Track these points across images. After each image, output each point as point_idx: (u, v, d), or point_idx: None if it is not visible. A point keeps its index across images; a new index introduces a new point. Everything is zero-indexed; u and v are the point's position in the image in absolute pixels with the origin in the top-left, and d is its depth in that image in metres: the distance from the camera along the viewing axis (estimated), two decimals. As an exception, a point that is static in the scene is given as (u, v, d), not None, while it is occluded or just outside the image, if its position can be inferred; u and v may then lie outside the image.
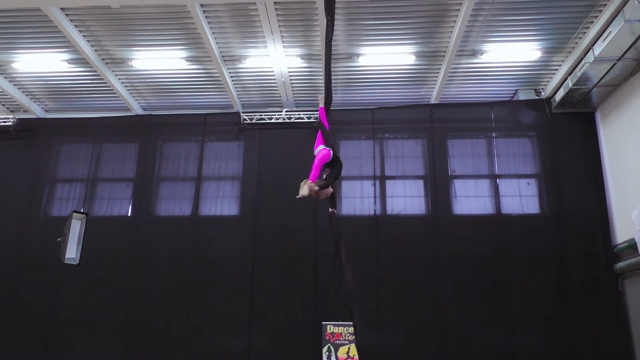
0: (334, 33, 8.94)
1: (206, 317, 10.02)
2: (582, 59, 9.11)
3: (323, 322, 9.65)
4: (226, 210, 10.89)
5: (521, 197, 10.35)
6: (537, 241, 9.98)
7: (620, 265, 9.45)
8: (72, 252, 8.70)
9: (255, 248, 10.40)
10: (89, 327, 10.05)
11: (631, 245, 8.82)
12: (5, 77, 10.57)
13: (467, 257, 9.98)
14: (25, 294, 10.32)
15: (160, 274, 10.33)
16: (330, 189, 5.70)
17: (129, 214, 10.95)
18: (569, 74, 9.63)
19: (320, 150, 5.88)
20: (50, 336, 8.90)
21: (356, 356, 9.46)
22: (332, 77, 10.39)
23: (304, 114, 11.16)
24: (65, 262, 8.55)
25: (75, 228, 8.81)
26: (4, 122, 11.43)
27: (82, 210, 9.98)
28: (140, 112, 11.63)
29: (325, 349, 9.53)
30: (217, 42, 9.37)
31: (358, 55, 9.72)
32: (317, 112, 10.90)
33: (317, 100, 6.31)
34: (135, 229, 10.71)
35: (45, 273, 10.10)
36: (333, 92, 11.01)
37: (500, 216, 10.27)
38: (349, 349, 9.52)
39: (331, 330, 9.63)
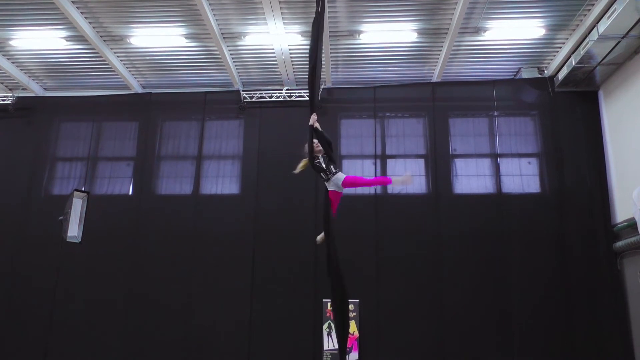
0: (335, 10, 8.87)
1: (207, 295, 10.11)
2: (586, 36, 8.99)
3: (323, 300, 9.75)
4: (227, 189, 10.90)
5: (522, 177, 10.35)
6: (537, 220, 10.01)
7: (619, 244, 9.50)
8: (74, 231, 8.70)
9: (256, 226, 10.44)
10: (91, 304, 10.16)
11: (631, 224, 8.85)
12: (4, 55, 10.48)
13: (468, 236, 10.02)
14: (28, 272, 10.41)
15: (161, 253, 10.39)
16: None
17: (130, 193, 10.98)
18: (573, 52, 9.52)
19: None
20: (53, 314, 8.95)
21: (356, 333, 9.59)
22: (334, 54, 10.38)
23: (304, 92, 11.07)
24: (68, 240, 8.57)
25: (77, 207, 8.80)
26: (3, 100, 11.36)
27: (83, 189, 9.99)
28: (140, 90, 11.55)
29: (325, 326, 9.66)
30: (216, 19, 9.25)
31: (359, 32, 9.60)
32: (319, 93, 10.87)
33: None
34: (137, 208, 10.74)
35: (47, 251, 10.13)
36: (333, 70, 10.95)
37: (500, 195, 10.28)
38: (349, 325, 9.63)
39: (331, 307, 9.72)
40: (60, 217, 8.59)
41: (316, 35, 6.23)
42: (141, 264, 10.36)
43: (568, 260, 9.77)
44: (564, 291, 9.65)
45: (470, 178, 10.50)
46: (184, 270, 10.26)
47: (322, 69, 10.62)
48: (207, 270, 10.26)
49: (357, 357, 9.45)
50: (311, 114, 6.03)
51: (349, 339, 9.45)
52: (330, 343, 9.57)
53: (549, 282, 9.73)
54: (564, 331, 9.47)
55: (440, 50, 10.07)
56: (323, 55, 10.02)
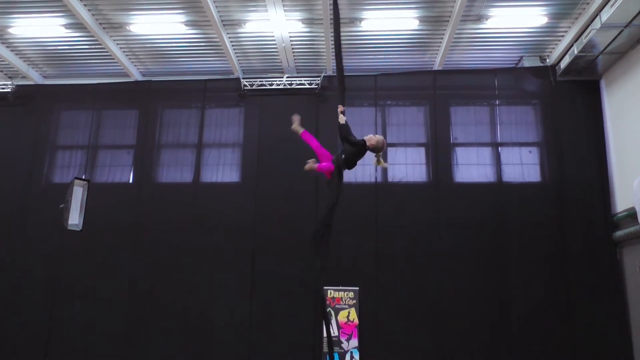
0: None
1: (208, 283, 10.16)
2: (588, 25, 8.92)
3: (324, 287, 9.79)
4: (227, 177, 10.90)
5: (522, 166, 10.34)
6: (537, 209, 10.02)
7: (619, 233, 9.52)
8: (75, 219, 8.76)
9: (257, 214, 10.46)
10: (92, 292, 10.18)
11: (631, 214, 8.86)
12: (2, 43, 10.42)
13: (467, 224, 10.04)
14: (28, 260, 10.43)
15: (162, 240, 10.42)
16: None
17: (131, 181, 10.98)
18: (575, 41, 9.46)
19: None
20: (54, 302, 9.02)
21: (356, 320, 9.66)
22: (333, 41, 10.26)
23: (305, 80, 11.03)
24: (69, 228, 8.63)
25: (78, 195, 8.85)
26: (3, 88, 11.32)
27: (83, 177, 10.01)
28: (140, 78, 11.50)
29: (325, 313, 9.71)
30: (216, 6, 9.18)
31: (360, 19, 9.53)
32: (319, 80, 10.84)
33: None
34: (137, 196, 10.76)
35: (48, 239, 10.17)
36: (333, 58, 10.88)
37: (501, 184, 10.28)
38: (348, 313, 9.71)
39: (332, 295, 9.80)
40: (62, 205, 8.64)
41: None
42: (141, 252, 10.39)
43: (568, 250, 9.79)
44: (563, 280, 9.69)
45: (471, 167, 10.50)
46: (184, 258, 10.29)
47: (323, 57, 10.67)
48: (208, 258, 10.28)
49: (357, 344, 9.53)
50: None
51: (348, 326, 9.56)
52: (330, 331, 9.62)
53: (548, 271, 9.76)
54: (563, 320, 9.52)
55: (442, 38, 10.01)
56: (323, 42, 10.03)
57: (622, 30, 8.52)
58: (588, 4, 8.80)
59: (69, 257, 9.87)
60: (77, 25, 9.67)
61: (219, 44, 10.22)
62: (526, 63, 10.59)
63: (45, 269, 10.01)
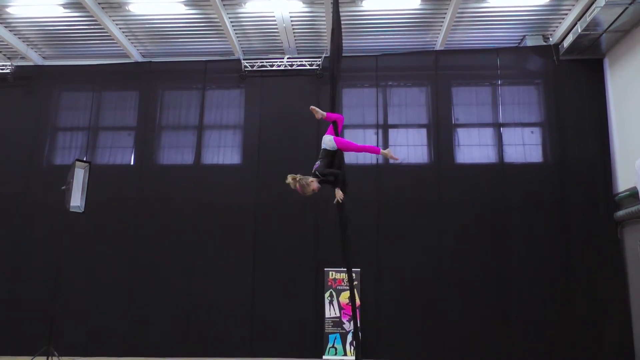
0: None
1: (209, 265, 10.20)
2: (593, 2, 8.82)
3: (325, 268, 9.87)
4: (228, 159, 10.88)
5: (524, 146, 10.30)
6: (538, 190, 10.01)
7: (620, 213, 9.52)
8: (77, 200, 8.77)
9: (258, 196, 10.47)
10: (94, 274, 10.22)
11: (632, 193, 8.85)
12: (1, 23, 10.33)
13: (469, 206, 10.03)
14: (30, 242, 10.47)
15: (163, 222, 10.44)
16: (316, 185, 5.99)
17: (132, 163, 10.97)
18: (579, 19, 9.35)
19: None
20: (57, 285, 8.99)
21: (357, 301, 9.71)
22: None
23: (305, 61, 10.95)
24: (71, 210, 8.65)
25: (79, 176, 8.85)
26: (2, 69, 11.26)
27: (84, 159, 10.00)
28: (140, 59, 11.42)
29: (327, 294, 9.78)
30: (215, -15, 9.10)
31: (362, -1, 9.45)
32: (320, 61, 10.76)
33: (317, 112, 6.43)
34: (138, 178, 10.75)
35: (50, 221, 10.16)
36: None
37: (503, 165, 10.26)
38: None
39: (333, 277, 9.84)
40: (63, 187, 8.65)
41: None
42: (143, 234, 10.42)
43: (569, 229, 9.80)
44: (564, 260, 9.71)
45: (473, 148, 10.46)
46: (186, 240, 10.32)
47: (324, 37, 10.56)
48: (209, 240, 10.32)
49: (359, 325, 9.60)
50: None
51: (350, 307, 9.60)
52: (331, 311, 9.71)
53: (549, 251, 9.78)
54: (564, 299, 9.57)
55: (444, 17, 9.90)
56: (324, 22, 9.92)
57: (626, 8, 8.42)
58: (592, -19, 8.70)
59: (70, 239, 9.88)
60: (76, 5, 9.57)
61: (219, 24, 10.13)
62: (529, 42, 10.49)
63: (47, 250, 10.04)
